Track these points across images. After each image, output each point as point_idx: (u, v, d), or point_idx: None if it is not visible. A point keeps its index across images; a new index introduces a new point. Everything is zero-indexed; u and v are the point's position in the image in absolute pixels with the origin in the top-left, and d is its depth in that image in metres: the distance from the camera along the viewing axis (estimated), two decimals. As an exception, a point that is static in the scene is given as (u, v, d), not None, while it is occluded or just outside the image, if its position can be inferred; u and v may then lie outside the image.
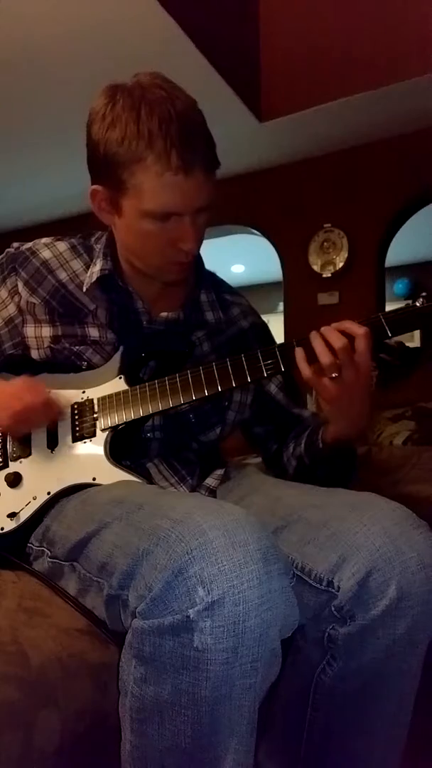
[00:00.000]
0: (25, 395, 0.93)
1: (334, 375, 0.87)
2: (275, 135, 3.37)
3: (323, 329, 0.88)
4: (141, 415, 0.93)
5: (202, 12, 2.68)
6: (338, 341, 0.86)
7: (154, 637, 0.65)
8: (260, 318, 1.16)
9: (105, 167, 0.88)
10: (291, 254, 3.92)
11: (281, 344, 0.93)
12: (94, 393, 0.98)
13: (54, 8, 2.42)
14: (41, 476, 0.95)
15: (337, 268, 3.73)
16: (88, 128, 0.90)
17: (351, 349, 0.86)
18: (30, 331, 1.03)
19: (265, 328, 1.16)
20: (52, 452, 0.97)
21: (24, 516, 0.93)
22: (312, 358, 0.88)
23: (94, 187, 0.93)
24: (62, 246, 1.04)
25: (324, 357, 0.86)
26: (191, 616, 0.62)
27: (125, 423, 0.94)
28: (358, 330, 0.86)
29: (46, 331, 1.02)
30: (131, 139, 0.84)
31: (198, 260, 1.06)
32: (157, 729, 0.66)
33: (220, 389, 0.91)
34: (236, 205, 3.76)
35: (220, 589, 0.62)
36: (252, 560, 0.65)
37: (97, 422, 0.96)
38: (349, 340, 0.86)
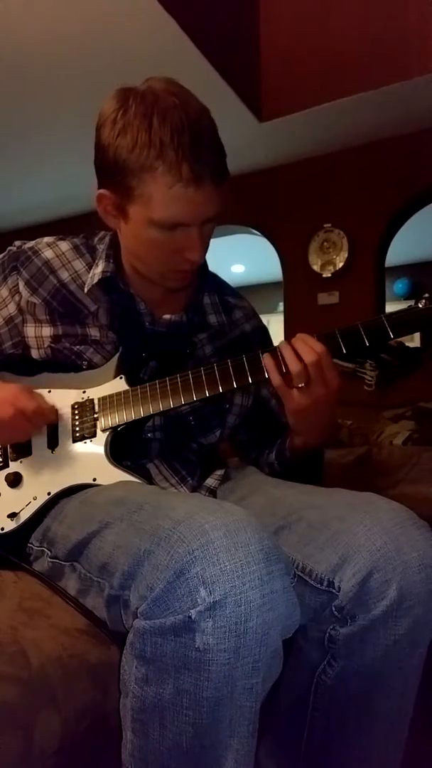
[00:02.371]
0: (15, 403, 0.92)
1: (301, 385, 0.88)
2: (275, 135, 3.37)
3: (293, 341, 0.89)
4: (141, 415, 0.93)
5: (202, 12, 2.68)
6: (309, 355, 0.87)
7: (156, 638, 0.65)
8: (261, 322, 1.17)
9: (113, 173, 0.88)
10: (291, 254, 3.93)
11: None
12: (95, 393, 0.98)
13: (54, 9, 2.42)
14: (41, 476, 0.95)
15: (337, 268, 3.73)
16: (97, 131, 0.89)
17: (320, 365, 0.87)
18: (30, 330, 1.03)
19: (266, 332, 1.16)
20: (52, 452, 0.97)
21: (24, 516, 0.93)
22: (281, 368, 0.89)
23: (101, 191, 0.92)
24: (65, 246, 1.04)
25: (294, 365, 0.87)
26: (193, 617, 0.62)
27: (126, 423, 0.94)
28: (319, 347, 0.88)
29: (47, 331, 1.01)
30: (142, 148, 0.83)
31: (202, 263, 1.05)
32: (159, 729, 0.66)
33: (221, 390, 0.91)
34: (236, 205, 3.76)
35: (221, 589, 0.62)
36: (254, 561, 0.65)
37: (98, 422, 0.96)
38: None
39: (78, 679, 0.72)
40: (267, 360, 0.89)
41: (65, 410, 0.99)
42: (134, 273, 1.00)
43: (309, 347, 0.88)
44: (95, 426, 0.96)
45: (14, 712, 0.64)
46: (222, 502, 0.74)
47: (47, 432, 0.98)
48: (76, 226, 1.17)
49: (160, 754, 0.66)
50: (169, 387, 0.93)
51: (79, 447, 0.96)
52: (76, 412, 0.98)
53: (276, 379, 0.89)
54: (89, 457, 0.94)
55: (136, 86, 0.88)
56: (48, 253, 1.03)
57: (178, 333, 1.03)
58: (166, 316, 1.02)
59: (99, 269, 1.00)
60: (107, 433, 0.95)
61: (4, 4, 2.38)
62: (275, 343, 1.11)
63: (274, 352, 0.90)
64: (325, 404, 0.90)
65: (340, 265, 3.71)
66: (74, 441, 0.96)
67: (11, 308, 1.03)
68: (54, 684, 0.69)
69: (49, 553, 0.89)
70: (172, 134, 0.82)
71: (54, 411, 0.98)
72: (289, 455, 1.03)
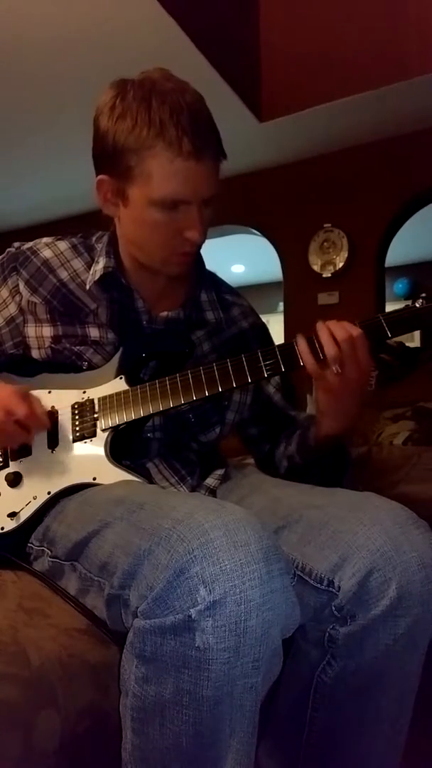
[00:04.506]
0: (6, 408, 0.91)
1: (336, 368, 0.88)
2: (275, 135, 3.37)
3: (328, 322, 0.90)
4: (141, 415, 0.93)
5: (202, 12, 2.68)
6: (343, 333, 0.87)
7: (156, 637, 0.65)
8: (260, 319, 1.17)
9: (113, 156, 0.89)
10: (291, 254, 3.93)
11: (281, 344, 0.93)
12: (95, 393, 0.98)
13: (54, 9, 2.42)
14: (41, 476, 0.95)
15: (337, 268, 3.73)
16: (95, 121, 0.91)
17: (354, 345, 0.87)
18: (31, 330, 1.03)
19: (264, 330, 1.16)
20: (52, 452, 0.97)
21: (24, 516, 0.93)
22: (315, 352, 0.89)
23: (101, 177, 0.93)
24: (63, 245, 1.04)
25: (330, 348, 0.87)
26: (193, 616, 0.62)
27: (126, 423, 0.94)
28: (355, 331, 0.88)
29: (47, 331, 1.02)
30: (142, 127, 0.85)
31: (199, 259, 1.06)
32: (159, 729, 0.66)
33: (220, 389, 0.91)
34: (236, 205, 3.76)
35: (221, 588, 0.62)
36: (253, 560, 0.65)
37: (98, 422, 0.96)
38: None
39: (78, 679, 0.72)
40: (301, 344, 0.90)
41: (65, 410, 0.99)
42: (134, 266, 1.00)
43: (344, 328, 0.88)
44: (95, 426, 0.96)
45: (14, 712, 0.64)
46: (222, 502, 0.75)
47: (47, 431, 0.98)
48: (75, 227, 1.17)
49: (160, 754, 0.66)
50: (168, 387, 0.93)
51: (79, 447, 0.96)
52: (76, 412, 0.98)
53: (309, 362, 0.89)
54: (89, 457, 0.94)
55: (132, 77, 0.90)
56: (47, 253, 1.03)
57: (175, 330, 1.03)
58: (164, 313, 1.03)
59: (100, 265, 1.00)
60: (107, 432, 0.95)
61: (4, 4, 2.38)
62: (275, 340, 1.12)
63: (309, 336, 0.90)
64: (356, 384, 0.90)
65: (340, 265, 3.71)
66: (74, 441, 0.96)
67: (12, 309, 1.04)
68: (54, 684, 0.69)
69: (49, 552, 0.89)
70: (171, 113, 0.84)
71: (46, 417, 0.96)
72: (314, 444, 1.02)
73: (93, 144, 0.92)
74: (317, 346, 0.89)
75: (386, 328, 0.88)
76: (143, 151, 0.86)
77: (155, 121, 0.84)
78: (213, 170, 0.89)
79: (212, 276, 1.12)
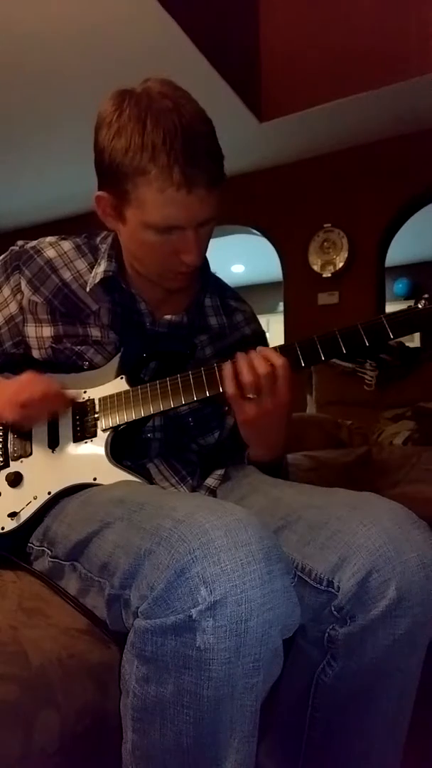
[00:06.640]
0: (29, 387, 0.94)
1: (251, 396, 0.89)
2: (275, 135, 3.37)
3: (250, 353, 0.91)
4: (142, 415, 0.93)
5: (202, 12, 2.68)
6: (262, 366, 0.88)
7: (157, 637, 0.65)
8: (261, 327, 1.18)
9: (110, 175, 0.89)
10: (291, 254, 3.93)
11: (281, 345, 0.93)
12: (96, 393, 0.99)
13: (54, 9, 2.42)
14: (42, 476, 0.95)
15: (337, 268, 3.73)
16: (95, 132, 0.90)
17: (273, 377, 0.88)
18: (31, 330, 1.03)
19: (264, 338, 1.17)
20: (53, 452, 0.97)
21: (24, 515, 0.93)
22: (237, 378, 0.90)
23: (100, 193, 0.93)
24: (67, 245, 1.04)
25: (246, 375, 0.88)
26: (193, 616, 0.62)
27: (126, 423, 0.94)
28: (278, 360, 0.89)
29: (47, 331, 1.02)
30: (135, 151, 0.84)
31: (204, 264, 1.05)
32: (159, 729, 0.66)
33: (221, 390, 0.91)
34: (236, 205, 3.76)
35: (222, 588, 0.62)
36: (254, 560, 0.65)
37: (98, 422, 0.96)
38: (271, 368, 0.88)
39: (78, 679, 0.72)
40: (225, 370, 0.91)
41: (66, 410, 0.99)
42: (135, 273, 1.01)
43: (265, 359, 0.89)
44: (96, 426, 0.96)
45: (14, 712, 0.64)
46: (223, 502, 0.75)
47: (48, 431, 0.98)
48: (78, 226, 1.18)
49: (161, 754, 0.66)
50: (169, 387, 0.93)
51: (80, 447, 0.96)
52: (77, 412, 0.98)
53: (230, 388, 0.90)
54: (90, 457, 0.94)
55: (134, 87, 0.88)
56: (50, 253, 1.03)
57: (178, 334, 1.04)
58: (167, 317, 1.03)
59: (101, 268, 1.00)
60: (108, 433, 0.95)
61: (4, 5, 2.38)
62: (276, 340, 1.11)
63: (233, 362, 0.91)
64: (273, 416, 0.91)
65: (340, 265, 3.72)
66: (75, 441, 0.96)
67: (12, 308, 1.04)
68: (54, 684, 0.69)
69: (49, 552, 0.89)
70: (164, 137, 0.83)
71: (66, 397, 0.97)
72: (248, 463, 1.04)
73: (94, 155, 0.91)
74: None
75: (388, 329, 0.88)
76: (137, 177, 0.85)
77: (148, 146, 0.83)
78: (207, 197, 0.87)
79: (217, 280, 1.12)
